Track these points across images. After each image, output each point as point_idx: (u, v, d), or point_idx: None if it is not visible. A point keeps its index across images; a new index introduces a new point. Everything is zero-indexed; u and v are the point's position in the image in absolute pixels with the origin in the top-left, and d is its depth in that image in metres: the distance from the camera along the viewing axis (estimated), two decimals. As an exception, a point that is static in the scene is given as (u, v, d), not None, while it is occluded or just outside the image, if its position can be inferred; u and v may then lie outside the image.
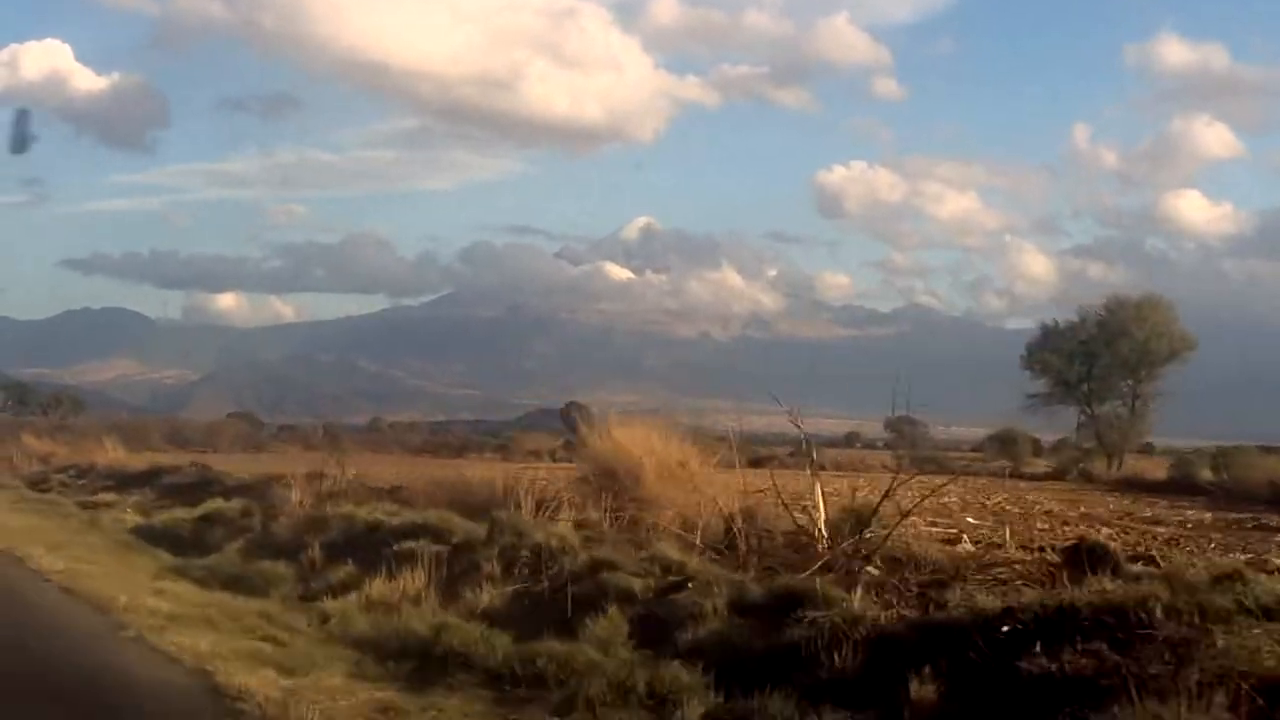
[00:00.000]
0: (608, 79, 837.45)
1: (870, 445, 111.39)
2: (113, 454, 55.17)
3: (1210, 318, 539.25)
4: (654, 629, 13.28)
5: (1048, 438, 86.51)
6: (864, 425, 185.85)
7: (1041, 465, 61.70)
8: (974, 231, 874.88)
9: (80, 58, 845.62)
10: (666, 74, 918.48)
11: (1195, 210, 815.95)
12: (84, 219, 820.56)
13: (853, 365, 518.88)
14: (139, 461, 52.23)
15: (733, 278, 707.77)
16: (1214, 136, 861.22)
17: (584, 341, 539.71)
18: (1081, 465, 57.28)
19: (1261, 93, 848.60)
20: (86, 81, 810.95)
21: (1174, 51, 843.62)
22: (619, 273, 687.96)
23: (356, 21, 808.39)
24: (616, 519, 19.66)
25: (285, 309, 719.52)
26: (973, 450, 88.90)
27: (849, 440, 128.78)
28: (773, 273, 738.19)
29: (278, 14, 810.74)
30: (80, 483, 47.71)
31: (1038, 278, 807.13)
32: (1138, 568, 13.93)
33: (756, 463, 73.95)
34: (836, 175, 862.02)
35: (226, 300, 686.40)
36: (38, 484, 48.67)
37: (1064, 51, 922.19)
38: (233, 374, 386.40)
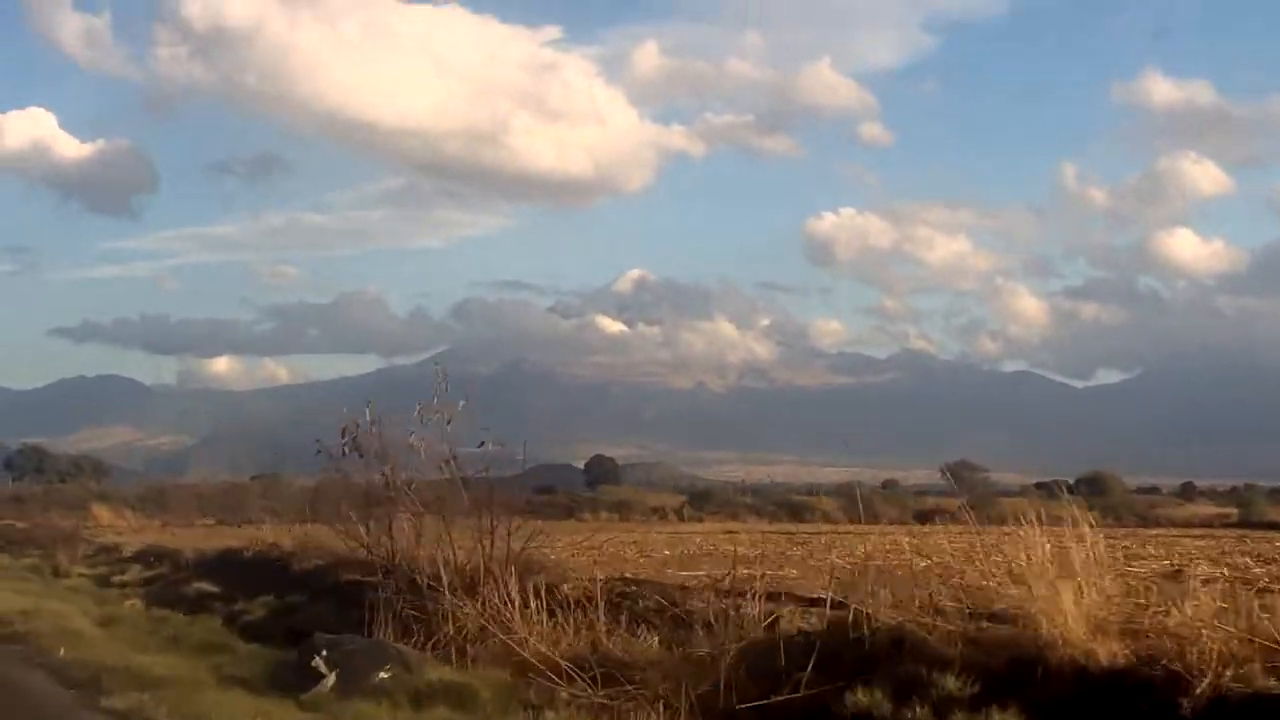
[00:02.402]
0: (593, 131, 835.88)
1: (927, 492, 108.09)
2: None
3: (1208, 356, 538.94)
4: None
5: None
6: (903, 473, 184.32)
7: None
8: (966, 275, 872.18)
9: (64, 125, 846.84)
10: (652, 124, 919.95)
11: (1187, 248, 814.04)
12: (73, 287, 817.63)
13: (851, 413, 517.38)
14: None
15: (726, 328, 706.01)
16: (1202, 173, 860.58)
17: (580, 395, 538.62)
18: None
19: (1247, 128, 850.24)
20: (71, 149, 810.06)
21: (1160, 89, 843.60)
22: (612, 325, 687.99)
23: (339, 79, 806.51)
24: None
25: (279, 371, 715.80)
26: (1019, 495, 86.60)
27: (887, 488, 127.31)
28: (766, 322, 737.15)
29: (260, 74, 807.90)
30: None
31: (1031, 319, 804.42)
32: None
33: (921, 518, 71.93)
34: (826, 222, 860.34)
35: (220, 364, 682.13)
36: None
37: (1050, 90, 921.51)
38: (229, 438, 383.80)
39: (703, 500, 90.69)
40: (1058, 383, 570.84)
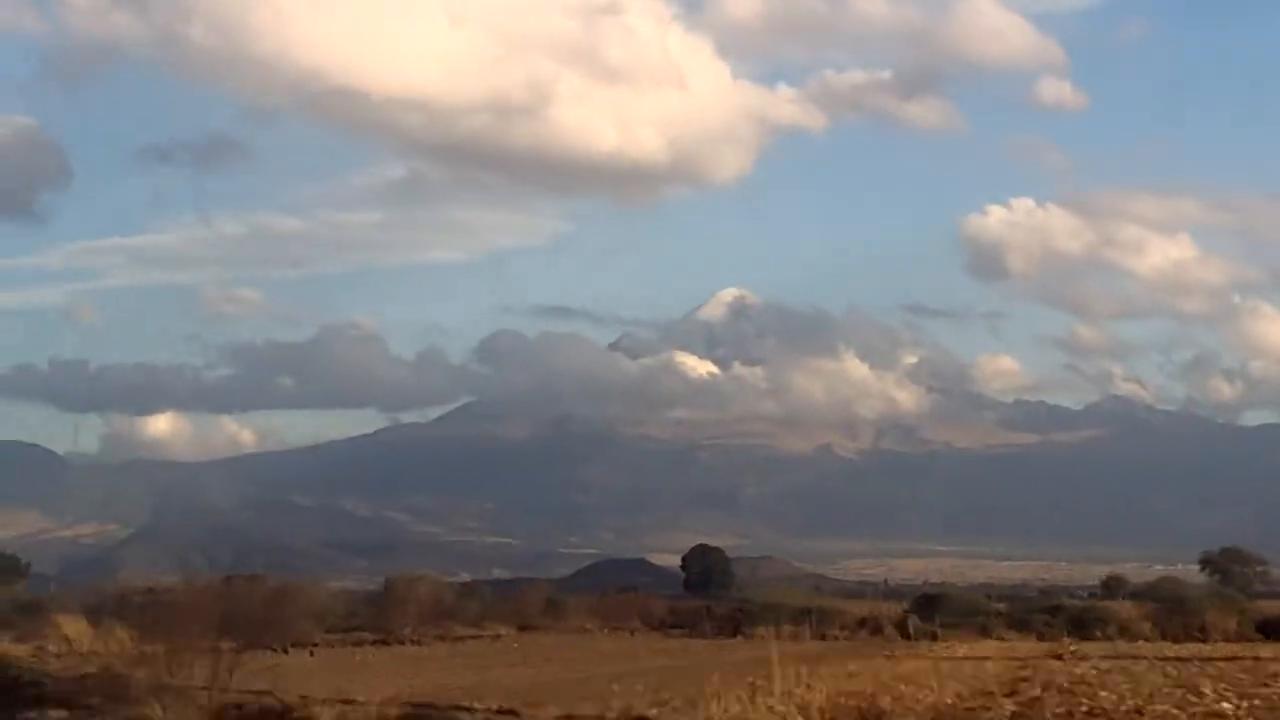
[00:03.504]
0: (669, 98, 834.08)
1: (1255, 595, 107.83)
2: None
3: None
4: None
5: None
6: (1125, 567, 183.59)
7: None
8: (1191, 291, 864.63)
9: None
10: (750, 86, 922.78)
11: None
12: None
13: (1034, 484, 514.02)
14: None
15: (857, 368, 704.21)
16: None
17: (654, 465, 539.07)
18: None
19: None
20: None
21: None
22: (698, 366, 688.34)
23: (316, 33, 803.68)
24: None
25: (242, 434, 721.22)
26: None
27: (1109, 589, 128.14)
28: (912, 359, 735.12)
29: (208, 27, 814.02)
30: None
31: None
32: None
33: (1270, 630, 71.90)
34: (993, 220, 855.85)
35: (160, 425, 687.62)
36: None
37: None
38: (174, 526, 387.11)
39: (931, 608, 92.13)
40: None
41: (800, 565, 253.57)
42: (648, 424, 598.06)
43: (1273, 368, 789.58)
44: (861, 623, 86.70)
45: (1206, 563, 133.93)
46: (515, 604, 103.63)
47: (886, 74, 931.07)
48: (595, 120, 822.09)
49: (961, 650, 60.77)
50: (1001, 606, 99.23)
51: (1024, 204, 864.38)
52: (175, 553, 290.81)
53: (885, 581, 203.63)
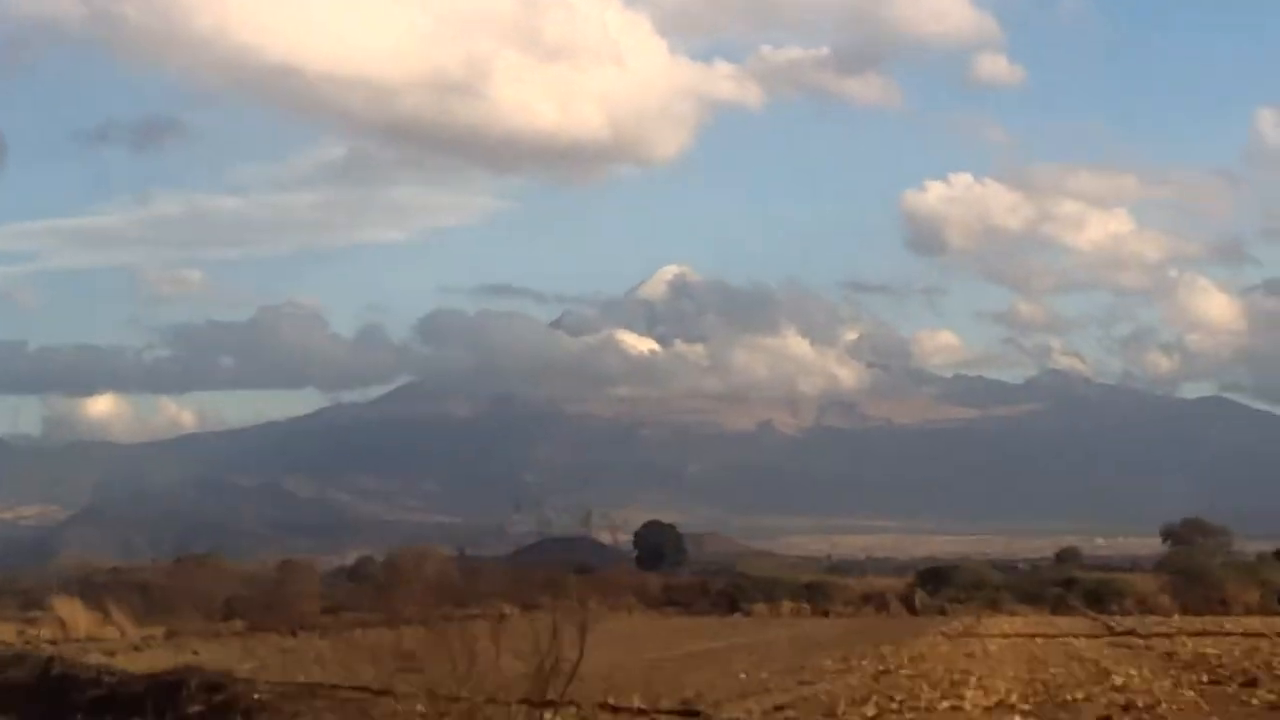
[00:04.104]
0: (608, 75, 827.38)
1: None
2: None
3: None
4: None
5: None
6: (1065, 540, 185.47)
7: None
8: (1128, 265, 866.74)
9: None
10: (689, 63, 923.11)
11: None
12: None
13: (974, 458, 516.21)
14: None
15: (798, 345, 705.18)
16: None
17: (597, 442, 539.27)
18: None
19: None
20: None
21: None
22: (639, 344, 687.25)
23: (254, 11, 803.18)
24: None
25: (182, 414, 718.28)
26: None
27: (1063, 561, 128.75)
28: (853, 335, 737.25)
29: (143, 6, 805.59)
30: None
31: (1218, 325, 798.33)
32: None
33: None
34: (932, 195, 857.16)
35: (100, 406, 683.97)
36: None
37: (1243, 7, 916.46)
38: (116, 508, 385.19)
39: (938, 582, 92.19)
40: (1259, 412, 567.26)
41: (743, 542, 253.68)
42: (590, 402, 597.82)
43: (1209, 341, 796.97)
44: (866, 598, 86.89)
45: (1169, 535, 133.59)
46: (517, 581, 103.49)
47: (825, 50, 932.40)
48: (535, 98, 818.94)
49: (1003, 627, 60.37)
50: (1000, 580, 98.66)
51: (963, 179, 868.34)
52: (117, 534, 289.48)
53: (829, 556, 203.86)
